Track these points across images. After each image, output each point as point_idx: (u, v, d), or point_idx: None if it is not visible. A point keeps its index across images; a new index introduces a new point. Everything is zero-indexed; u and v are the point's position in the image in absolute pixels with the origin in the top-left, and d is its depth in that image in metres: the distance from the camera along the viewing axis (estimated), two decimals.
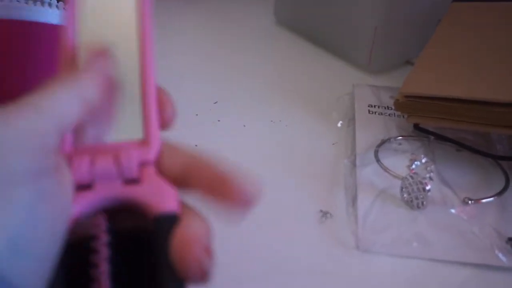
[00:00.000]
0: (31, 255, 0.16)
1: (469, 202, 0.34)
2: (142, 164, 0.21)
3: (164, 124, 0.22)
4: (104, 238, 0.19)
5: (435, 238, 0.32)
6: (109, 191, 0.20)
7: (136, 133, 0.22)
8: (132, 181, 0.20)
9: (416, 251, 0.31)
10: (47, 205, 0.17)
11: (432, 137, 0.39)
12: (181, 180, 0.20)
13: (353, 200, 0.35)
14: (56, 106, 0.18)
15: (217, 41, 0.55)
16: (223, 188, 0.19)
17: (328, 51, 0.53)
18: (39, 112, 0.17)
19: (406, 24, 0.49)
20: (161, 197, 0.20)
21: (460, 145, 0.38)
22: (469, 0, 0.47)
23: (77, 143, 0.21)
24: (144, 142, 0.21)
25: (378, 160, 0.37)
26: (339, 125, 0.43)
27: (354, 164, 0.38)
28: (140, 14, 0.23)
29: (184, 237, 0.18)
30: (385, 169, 0.36)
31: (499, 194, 0.35)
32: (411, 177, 0.34)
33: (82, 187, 0.20)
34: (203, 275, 0.17)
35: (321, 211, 0.34)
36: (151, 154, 0.21)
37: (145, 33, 0.23)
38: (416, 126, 0.39)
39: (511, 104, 0.34)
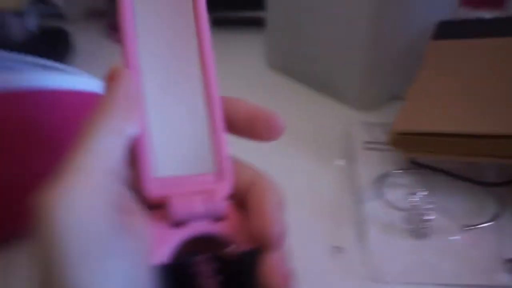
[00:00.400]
0: None
1: (467, 228, 0.37)
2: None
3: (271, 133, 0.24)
4: (211, 265, 0.22)
5: (441, 264, 0.35)
6: (200, 228, 0.22)
7: (209, 166, 0.24)
8: (220, 218, 0.23)
9: (425, 277, 0.34)
10: (135, 261, 0.19)
11: (428, 170, 0.42)
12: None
13: (362, 234, 0.38)
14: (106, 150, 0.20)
15: None
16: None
17: (320, 92, 0.57)
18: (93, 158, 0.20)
19: (390, 61, 0.53)
20: (245, 235, 0.22)
21: (454, 176, 0.42)
22: (446, 38, 0.51)
23: (157, 176, 0.23)
24: (219, 175, 0.23)
25: (381, 195, 0.40)
26: (339, 163, 0.46)
27: (358, 200, 0.41)
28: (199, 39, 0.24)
29: (269, 268, 0.22)
30: (388, 203, 0.39)
31: (493, 219, 0.38)
32: (412, 208, 0.37)
33: (178, 223, 0.22)
34: None
35: (333, 246, 0.37)
36: (229, 189, 0.23)
37: (205, 56, 0.24)
38: (412, 161, 0.43)
39: (497, 136, 0.38)
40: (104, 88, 0.22)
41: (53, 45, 0.57)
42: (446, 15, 0.57)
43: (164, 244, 0.21)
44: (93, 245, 0.18)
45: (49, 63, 0.38)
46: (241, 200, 0.24)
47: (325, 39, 0.54)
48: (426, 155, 0.41)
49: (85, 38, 0.64)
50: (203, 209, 0.22)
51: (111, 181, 0.20)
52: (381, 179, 0.42)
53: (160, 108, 0.23)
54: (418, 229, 0.37)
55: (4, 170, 0.35)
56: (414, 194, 0.38)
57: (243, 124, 0.24)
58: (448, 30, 0.53)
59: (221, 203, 0.23)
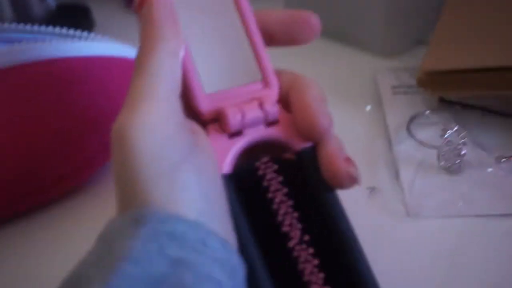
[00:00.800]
0: (214, 203, 0.20)
1: (502, 160, 0.37)
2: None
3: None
4: (272, 167, 0.23)
5: (477, 196, 0.35)
6: (256, 134, 0.24)
7: (254, 76, 0.25)
8: (272, 122, 0.24)
9: (461, 210, 0.34)
10: (207, 175, 0.21)
11: (458, 107, 0.42)
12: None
13: (396, 174, 0.38)
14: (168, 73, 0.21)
15: None
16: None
17: (343, 43, 0.56)
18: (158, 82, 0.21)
19: (412, 5, 0.52)
20: (298, 135, 0.24)
21: (485, 110, 0.41)
22: None
23: (207, 93, 0.24)
24: (265, 82, 0.25)
25: (412, 135, 0.40)
26: (367, 109, 0.46)
27: (389, 142, 0.41)
28: None
29: (329, 157, 0.23)
30: (420, 141, 0.39)
31: None
32: (446, 145, 0.37)
33: (235, 134, 0.23)
34: (354, 179, 0.24)
35: (368, 187, 0.37)
36: (277, 93, 0.25)
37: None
38: (441, 99, 0.42)
39: None
40: (141, 12, 0.23)
41: (73, 21, 0.58)
42: None
43: (225, 155, 0.23)
44: (170, 161, 0.19)
45: (77, 32, 0.39)
46: (285, 102, 0.25)
47: None
48: (456, 92, 0.41)
49: (103, 12, 0.64)
50: (256, 115, 0.23)
51: (176, 102, 0.21)
52: (412, 120, 0.42)
53: (197, 27, 0.24)
54: (452, 164, 0.37)
55: (45, 137, 0.36)
56: (446, 131, 0.37)
57: (279, 31, 0.25)
58: None
59: (272, 107, 0.24)
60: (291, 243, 0.22)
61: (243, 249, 0.21)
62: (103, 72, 0.38)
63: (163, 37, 0.22)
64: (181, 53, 0.22)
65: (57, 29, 0.39)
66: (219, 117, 0.23)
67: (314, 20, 0.25)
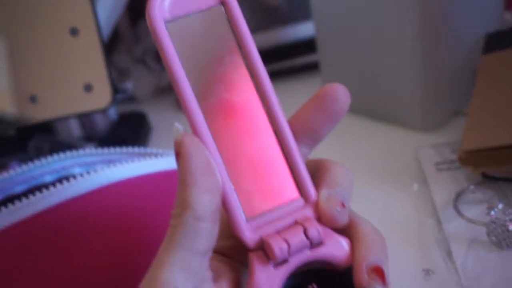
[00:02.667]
0: None
1: None
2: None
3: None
4: None
5: None
6: (301, 259, 0.24)
7: (294, 191, 0.25)
8: (317, 244, 0.24)
9: None
10: None
11: (501, 182, 0.44)
12: None
13: (448, 254, 0.40)
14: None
15: None
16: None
17: (381, 121, 0.59)
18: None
19: (445, 78, 0.55)
20: (343, 252, 0.24)
21: None
22: (497, 49, 0.53)
23: (248, 219, 0.24)
24: (305, 198, 0.24)
25: (460, 214, 0.42)
26: (414, 188, 0.48)
27: (438, 221, 0.43)
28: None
29: (355, 274, 0.23)
30: (468, 220, 0.41)
31: None
32: (494, 222, 0.39)
33: (281, 262, 0.23)
34: None
35: (423, 269, 0.39)
36: (317, 210, 0.24)
37: (261, 85, 0.25)
38: (484, 175, 0.44)
39: None
40: (177, 163, 0.23)
41: (133, 128, 0.64)
42: (495, 21, 0.58)
43: (272, 285, 0.23)
44: None
45: (142, 150, 0.43)
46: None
47: (378, 69, 0.57)
48: (498, 168, 0.43)
49: (158, 115, 0.70)
50: (302, 243, 0.23)
51: (206, 258, 0.23)
52: (458, 197, 0.44)
53: (231, 151, 0.24)
54: (503, 240, 0.39)
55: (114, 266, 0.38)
56: (491, 208, 0.39)
57: (310, 114, 0.25)
58: (497, 41, 0.54)
59: (317, 232, 0.24)
60: None
61: None
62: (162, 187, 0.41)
63: (198, 197, 0.22)
64: (216, 204, 0.23)
65: (126, 149, 0.43)
66: (264, 247, 0.23)
67: (340, 87, 0.25)
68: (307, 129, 0.25)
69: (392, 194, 0.48)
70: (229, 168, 0.24)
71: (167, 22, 0.24)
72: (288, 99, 0.71)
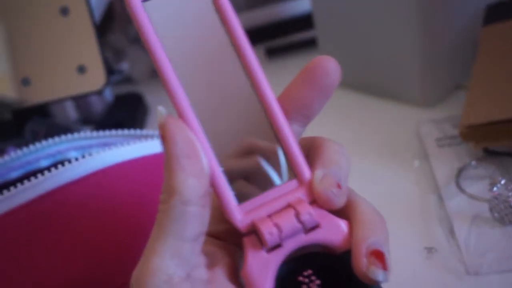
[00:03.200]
0: None
1: None
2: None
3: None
4: (316, 282, 0.23)
5: None
6: (296, 243, 0.23)
7: (287, 174, 0.24)
8: (312, 227, 0.23)
9: None
10: None
11: (503, 156, 0.43)
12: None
13: (451, 231, 0.39)
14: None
15: None
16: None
17: (382, 97, 0.58)
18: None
19: (446, 52, 0.54)
20: (341, 235, 0.23)
21: None
22: (498, 21, 0.51)
23: (240, 202, 0.23)
24: (299, 180, 0.23)
25: (462, 190, 0.41)
26: (415, 165, 0.47)
27: (440, 198, 0.42)
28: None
29: (354, 258, 0.22)
30: (471, 196, 0.41)
31: None
32: (496, 198, 0.38)
33: (274, 247, 0.23)
34: (376, 282, 0.22)
35: (425, 248, 0.39)
36: (312, 191, 0.23)
37: (249, 65, 0.23)
38: (486, 149, 0.43)
39: None
40: (162, 147, 0.23)
41: (130, 110, 0.63)
42: None
43: (266, 270, 0.22)
44: None
45: (138, 132, 0.42)
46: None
47: (377, 43, 0.56)
48: (499, 142, 0.42)
49: (155, 95, 0.69)
50: (293, 227, 0.23)
51: (199, 244, 0.22)
52: (459, 173, 0.43)
53: (218, 132, 0.23)
54: (505, 216, 0.38)
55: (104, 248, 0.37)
56: (494, 184, 0.38)
57: (301, 89, 0.24)
58: (498, 12, 0.53)
59: (309, 215, 0.23)
60: None
61: None
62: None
63: (184, 181, 0.22)
64: (204, 188, 0.22)
65: (122, 131, 0.42)
66: (256, 231, 0.23)
67: (328, 59, 0.24)
68: (298, 105, 0.24)
69: (393, 170, 0.48)
70: (217, 150, 0.23)
71: (144, 0, 0.23)
72: (286, 76, 0.71)
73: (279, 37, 0.73)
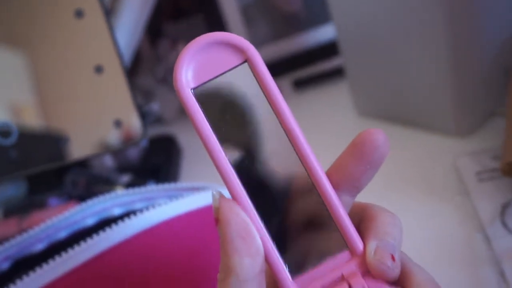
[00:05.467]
0: None
1: None
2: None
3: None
4: None
5: None
6: None
7: (340, 245, 0.24)
8: None
9: None
10: None
11: None
12: None
13: (501, 274, 0.39)
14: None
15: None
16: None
17: (415, 128, 0.57)
18: None
19: (478, 79, 0.53)
20: None
21: None
22: None
23: (294, 275, 0.24)
24: (351, 251, 0.24)
25: (509, 230, 0.41)
26: (456, 201, 0.47)
27: (486, 237, 0.42)
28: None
29: None
30: None
31: None
32: None
33: None
34: None
35: None
36: (364, 262, 0.24)
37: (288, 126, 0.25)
38: None
39: None
40: (217, 229, 0.24)
41: (165, 154, 0.64)
42: None
43: None
44: None
45: (178, 185, 0.43)
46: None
47: (407, 72, 0.55)
48: None
49: (186, 135, 0.70)
50: None
51: None
52: (504, 210, 0.43)
53: (269, 208, 0.25)
54: None
55: None
56: None
57: (349, 163, 0.25)
58: None
59: (362, 286, 0.23)
60: None
61: None
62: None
63: (240, 262, 0.23)
64: (259, 267, 0.23)
65: (162, 186, 0.43)
66: None
67: (378, 132, 0.25)
68: (347, 179, 0.25)
69: (431, 207, 0.47)
70: (270, 227, 0.24)
71: (193, 88, 0.25)
72: (315, 106, 0.71)
73: (305, 67, 0.73)
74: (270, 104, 0.25)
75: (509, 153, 0.43)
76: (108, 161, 0.61)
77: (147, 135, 0.51)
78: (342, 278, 0.24)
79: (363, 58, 0.59)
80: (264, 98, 0.25)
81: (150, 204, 0.43)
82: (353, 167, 0.25)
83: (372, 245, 0.24)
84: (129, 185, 0.57)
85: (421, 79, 0.54)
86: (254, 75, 0.25)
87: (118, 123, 0.52)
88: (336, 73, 0.69)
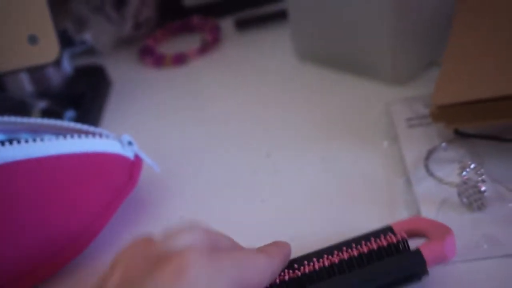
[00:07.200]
0: None
1: None
2: None
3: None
4: None
5: (503, 235, 0.34)
6: None
7: None
8: None
9: (487, 251, 0.34)
10: None
11: (474, 138, 0.41)
12: None
13: (418, 215, 0.38)
14: None
15: (245, 92, 0.58)
16: None
17: (352, 73, 0.56)
18: None
19: (419, 27, 0.52)
20: None
21: (504, 140, 0.40)
22: None
23: None
24: None
25: (430, 174, 0.40)
26: (384, 146, 0.46)
27: (408, 181, 0.41)
28: None
29: None
30: (439, 180, 0.39)
31: None
32: (465, 183, 0.37)
33: None
34: None
35: None
36: None
37: None
38: (457, 131, 0.42)
39: None
40: None
41: (91, 83, 0.60)
42: None
43: None
44: None
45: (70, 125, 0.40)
46: None
47: (348, 17, 0.53)
48: (471, 124, 0.40)
49: (118, 68, 0.66)
50: None
51: None
52: (429, 156, 0.42)
53: None
54: (474, 202, 0.37)
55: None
56: (463, 168, 0.37)
57: None
58: None
59: None
60: None
61: None
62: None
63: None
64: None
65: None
66: None
67: None
68: None
69: (361, 150, 0.46)
70: None
71: None
72: (257, 48, 0.68)
73: (249, 9, 0.71)
74: None
75: (439, 97, 0.41)
76: (26, 84, 0.56)
77: (62, 54, 0.47)
78: None
79: (305, 2, 0.57)
80: None
81: (36, 136, 0.40)
82: None
83: None
84: (46, 111, 0.53)
85: (362, 25, 0.52)
86: None
87: (33, 39, 0.47)
88: (280, 16, 0.66)
